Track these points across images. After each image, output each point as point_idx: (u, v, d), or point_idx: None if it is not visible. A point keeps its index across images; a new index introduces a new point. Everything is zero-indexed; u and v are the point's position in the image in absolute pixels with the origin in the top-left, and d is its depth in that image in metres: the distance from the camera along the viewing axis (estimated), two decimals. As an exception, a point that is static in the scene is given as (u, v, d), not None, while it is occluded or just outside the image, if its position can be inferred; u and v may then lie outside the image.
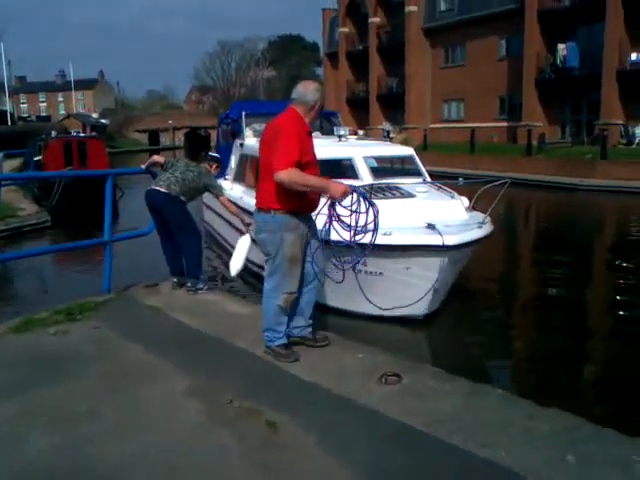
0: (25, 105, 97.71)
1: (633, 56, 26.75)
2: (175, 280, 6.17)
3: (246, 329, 4.89)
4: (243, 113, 10.91)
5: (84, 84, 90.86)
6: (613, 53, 26.76)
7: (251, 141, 10.31)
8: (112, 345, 4.61)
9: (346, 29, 46.67)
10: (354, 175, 7.81)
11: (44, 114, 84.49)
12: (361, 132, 12.77)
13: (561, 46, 29.78)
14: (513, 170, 22.47)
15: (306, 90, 4.06)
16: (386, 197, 7.08)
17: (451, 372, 4.06)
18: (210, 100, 76.42)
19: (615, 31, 26.67)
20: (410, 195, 7.33)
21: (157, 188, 5.92)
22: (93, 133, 45.00)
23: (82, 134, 36.02)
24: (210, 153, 6.89)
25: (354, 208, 4.08)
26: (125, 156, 49.21)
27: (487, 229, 6.81)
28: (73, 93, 79.84)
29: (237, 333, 4.78)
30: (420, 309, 6.61)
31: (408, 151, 8.94)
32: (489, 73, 34.12)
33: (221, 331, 4.84)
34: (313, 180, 3.86)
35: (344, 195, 3.92)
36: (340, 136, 9.11)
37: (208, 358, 4.33)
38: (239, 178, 10.38)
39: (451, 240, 6.11)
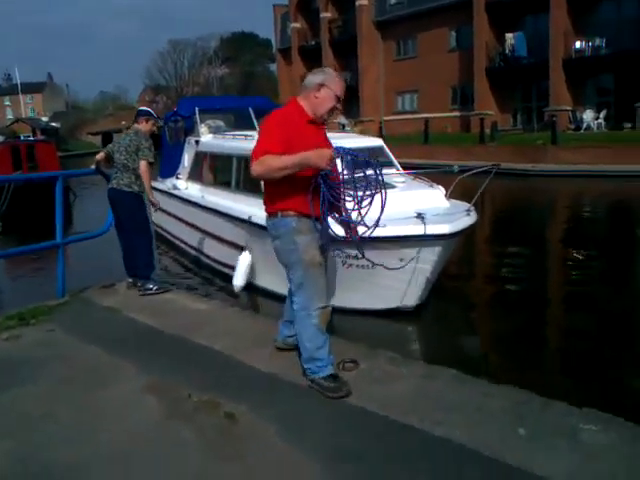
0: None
1: (577, 44, 27.49)
2: (131, 280, 6.11)
3: (205, 325, 4.90)
4: (197, 109, 10.63)
5: (32, 87, 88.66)
6: (558, 42, 27.47)
7: (207, 137, 10.15)
8: (67, 347, 4.54)
9: (298, 24, 46.61)
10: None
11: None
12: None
13: (509, 36, 30.40)
14: (467, 159, 22.80)
15: (309, 74, 3.62)
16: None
17: (432, 362, 4.09)
18: (164, 100, 75.35)
19: (559, 20, 27.39)
20: (390, 186, 7.19)
21: (111, 185, 5.91)
22: (42, 137, 43.94)
23: (32, 138, 35.17)
24: (140, 108, 6.40)
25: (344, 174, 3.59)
26: (78, 159, 48.17)
27: (474, 217, 6.79)
28: (21, 97, 77.82)
29: (195, 329, 4.77)
30: (412, 300, 6.56)
31: (378, 142, 8.87)
32: (441, 64, 34.57)
33: (179, 328, 4.81)
34: (287, 158, 3.27)
35: (331, 161, 3.33)
36: (343, 125, 9.13)
37: (166, 355, 4.31)
38: (195, 177, 10.19)
39: (446, 229, 6.07)
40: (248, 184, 8.01)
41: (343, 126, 35.32)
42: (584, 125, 26.58)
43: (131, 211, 5.84)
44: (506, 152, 24.05)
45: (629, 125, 25.32)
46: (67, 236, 6.20)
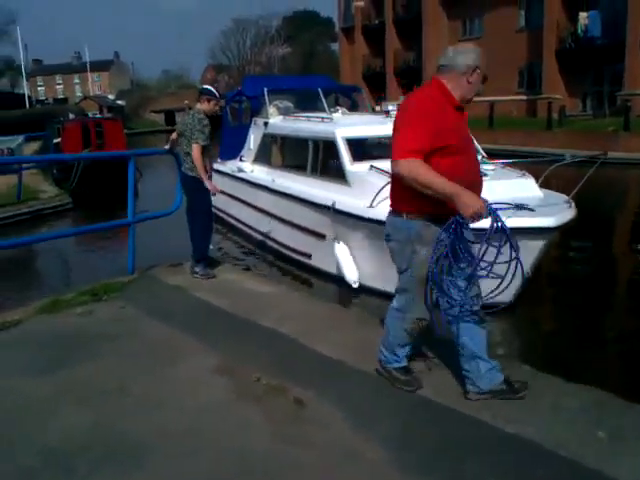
0: (42, 88, 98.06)
1: (658, 23, 26.08)
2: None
3: (270, 308, 4.93)
4: (265, 90, 10.30)
5: (100, 65, 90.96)
6: (637, 20, 26.09)
7: (277, 119, 9.92)
8: (138, 324, 4.67)
9: (361, 3, 45.96)
10: None
11: (61, 96, 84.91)
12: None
13: (582, 15, 29.09)
14: (533, 144, 22.19)
15: (456, 52, 3.12)
16: None
17: (508, 357, 3.92)
18: (226, 79, 76.06)
19: (639, -3, 25.99)
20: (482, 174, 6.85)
21: (181, 168, 5.95)
22: (109, 114, 45.13)
23: (99, 115, 36.16)
24: (202, 87, 6.24)
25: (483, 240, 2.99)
26: (142, 137, 49.37)
27: (574, 209, 6.32)
28: (89, 75, 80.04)
29: (261, 312, 4.80)
30: (508, 296, 6.22)
31: None
32: (508, 45, 33.40)
33: (246, 310, 4.86)
34: (439, 182, 2.86)
35: (475, 216, 2.86)
36: (388, 112, 8.60)
37: (234, 336, 4.37)
38: (263, 160, 9.94)
39: (551, 222, 5.66)
40: (326, 169, 7.84)
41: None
42: (660, 111, 25.30)
43: (191, 195, 5.87)
44: (574, 138, 23.16)
45: None
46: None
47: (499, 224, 2.94)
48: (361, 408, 3.27)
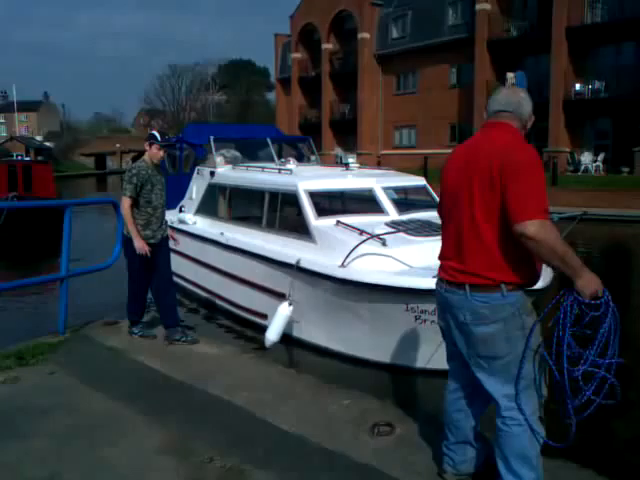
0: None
1: (577, 86, 27.73)
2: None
3: (218, 373, 4.57)
4: (211, 138, 9.71)
5: (28, 106, 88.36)
6: (559, 83, 27.68)
7: (225, 169, 9.25)
8: (70, 394, 4.18)
9: (299, 55, 46.87)
10: (377, 209, 7.04)
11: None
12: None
13: (510, 75, 30.50)
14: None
15: (521, 99, 2.77)
16: (422, 234, 6.24)
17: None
18: (159, 124, 75.49)
19: (560, 62, 27.66)
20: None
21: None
22: (39, 157, 43.55)
23: (26, 158, 34.75)
24: (150, 132, 5.65)
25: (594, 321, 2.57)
26: (70, 180, 47.86)
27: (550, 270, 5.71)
28: (16, 115, 77.52)
29: (209, 378, 4.44)
30: None
31: (420, 182, 8.07)
32: (441, 100, 34.69)
33: (191, 376, 4.48)
34: (571, 251, 2.47)
35: (592, 296, 2.48)
36: (347, 164, 8.27)
37: (180, 407, 3.96)
38: (208, 211, 9.22)
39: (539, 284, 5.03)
40: (285, 223, 7.38)
41: (341, 159, 35.22)
42: (582, 167, 26.65)
43: (124, 254, 5.38)
44: (505, 191, 23.92)
45: (627, 169, 25.38)
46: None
47: (612, 306, 2.53)
48: (330, 495, 2.94)
